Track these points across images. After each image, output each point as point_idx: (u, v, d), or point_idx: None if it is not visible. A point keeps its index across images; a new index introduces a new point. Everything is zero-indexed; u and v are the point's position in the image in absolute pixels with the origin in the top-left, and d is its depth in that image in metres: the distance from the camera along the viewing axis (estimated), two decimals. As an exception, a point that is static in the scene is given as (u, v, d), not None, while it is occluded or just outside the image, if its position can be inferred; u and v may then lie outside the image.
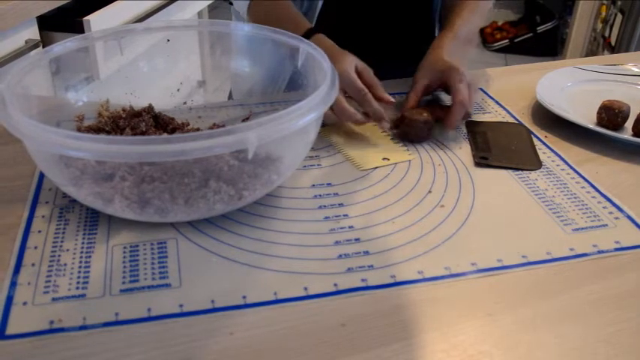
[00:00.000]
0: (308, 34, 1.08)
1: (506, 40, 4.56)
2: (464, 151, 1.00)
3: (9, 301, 0.68)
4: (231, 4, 1.25)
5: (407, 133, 1.02)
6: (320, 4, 1.23)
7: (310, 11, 1.23)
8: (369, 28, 1.31)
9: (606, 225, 0.84)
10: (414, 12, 1.34)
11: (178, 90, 1.14)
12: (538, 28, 4.49)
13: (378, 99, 1.03)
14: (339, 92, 0.98)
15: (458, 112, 1.02)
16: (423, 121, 1.01)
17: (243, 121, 1.07)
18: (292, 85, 1.04)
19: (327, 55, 1.01)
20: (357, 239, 0.79)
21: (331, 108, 1.00)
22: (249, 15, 1.18)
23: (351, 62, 1.02)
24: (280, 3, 1.16)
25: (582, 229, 0.83)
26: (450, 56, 1.09)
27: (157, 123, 0.99)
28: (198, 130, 1.01)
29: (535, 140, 1.04)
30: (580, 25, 3.80)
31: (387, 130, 1.02)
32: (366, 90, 1.00)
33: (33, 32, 1.81)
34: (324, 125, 1.06)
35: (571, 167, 0.96)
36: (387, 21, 1.32)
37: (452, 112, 1.02)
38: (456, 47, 1.13)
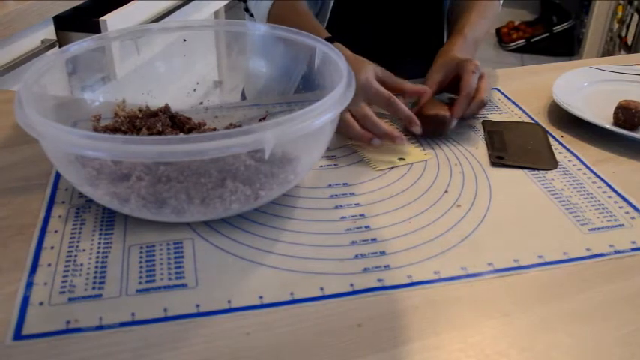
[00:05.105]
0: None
1: (523, 40, 4.55)
2: (480, 150, 1.00)
3: (25, 301, 0.68)
4: (247, 11, 1.25)
5: (425, 131, 1.01)
6: (331, 4, 1.23)
7: (322, 12, 1.24)
8: (379, 29, 1.31)
9: (623, 225, 0.83)
10: (425, 13, 1.34)
11: (195, 90, 1.14)
12: (554, 28, 4.47)
13: (412, 93, 1.04)
14: (364, 105, 0.98)
15: (463, 102, 1.02)
16: (440, 116, 1.01)
17: (260, 121, 1.07)
18: (309, 85, 1.04)
19: None
20: (373, 239, 0.79)
21: (358, 121, 0.98)
22: (269, 22, 1.18)
23: (371, 71, 1.01)
24: (300, 11, 1.16)
25: (599, 229, 0.82)
26: (461, 55, 1.09)
27: (174, 123, 0.99)
28: (214, 130, 1.01)
29: (551, 140, 1.03)
30: (596, 25, 3.79)
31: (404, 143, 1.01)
32: (393, 95, 0.99)
33: (49, 32, 1.82)
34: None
35: (587, 167, 0.96)
36: (398, 22, 1.32)
37: (457, 101, 1.02)
38: (466, 49, 1.13)
